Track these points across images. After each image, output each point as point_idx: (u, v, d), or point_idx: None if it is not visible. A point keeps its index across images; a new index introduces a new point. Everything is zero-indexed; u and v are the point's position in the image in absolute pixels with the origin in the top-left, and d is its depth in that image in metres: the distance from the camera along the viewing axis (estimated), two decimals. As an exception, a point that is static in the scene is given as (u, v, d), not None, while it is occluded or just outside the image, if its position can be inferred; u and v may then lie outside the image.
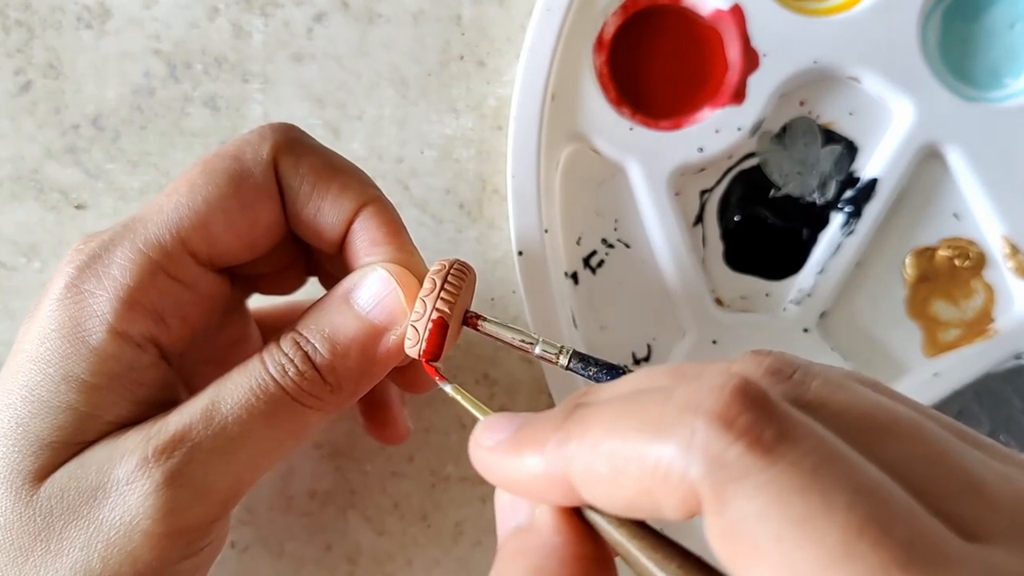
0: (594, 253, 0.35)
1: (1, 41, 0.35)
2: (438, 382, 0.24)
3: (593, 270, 0.35)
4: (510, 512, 0.20)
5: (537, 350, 0.25)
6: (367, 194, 0.25)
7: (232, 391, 0.23)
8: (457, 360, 0.35)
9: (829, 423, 0.16)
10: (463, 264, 0.25)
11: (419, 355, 0.24)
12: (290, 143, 0.25)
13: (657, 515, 0.17)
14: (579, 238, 0.35)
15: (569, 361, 0.25)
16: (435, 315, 0.23)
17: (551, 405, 0.34)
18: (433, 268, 0.24)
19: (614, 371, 0.24)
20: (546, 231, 0.33)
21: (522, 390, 0.35)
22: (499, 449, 0.19)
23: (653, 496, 0.16)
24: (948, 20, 0.35)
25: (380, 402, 0.32)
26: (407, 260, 0.25)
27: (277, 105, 0.35)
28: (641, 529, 0.18)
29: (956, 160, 0.34)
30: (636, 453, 0.16)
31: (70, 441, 0.23)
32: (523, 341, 0.25)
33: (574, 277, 0.35)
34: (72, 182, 0.34)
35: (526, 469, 0.18)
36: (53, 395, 0.22)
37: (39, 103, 0.34)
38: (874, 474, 0.15)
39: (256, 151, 0.24)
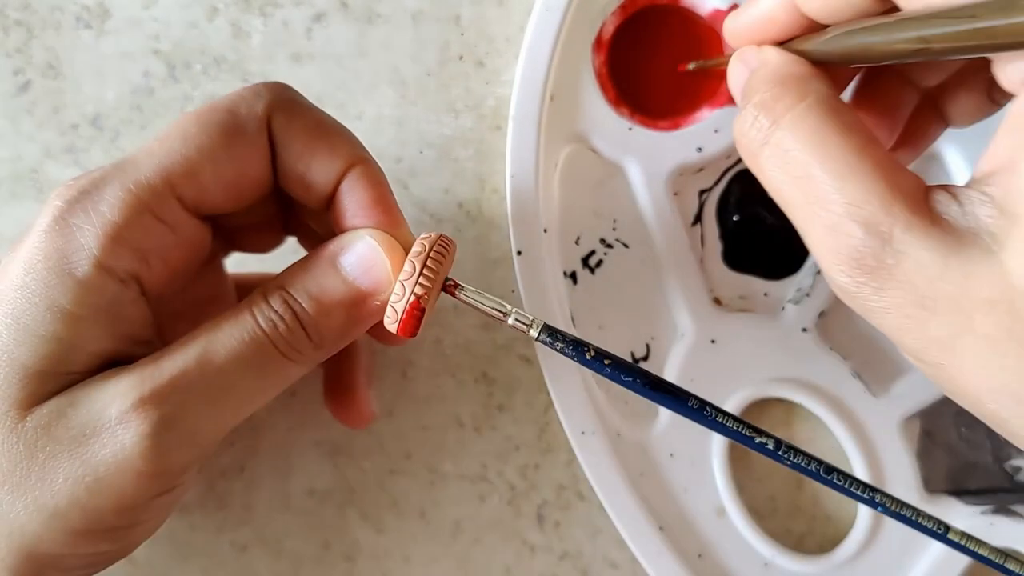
0: (593, 253, 0.35)
1: (0, 41, 0.35)
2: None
3: (592, 270, 0.35)
4: (742, 67, 0.25)
5: (510, 320, 0.26)
6: (356, 155, 0.26)
7: (225, 341, 0.24)
8: (456, 359, 0.35)
9: None
10: (444, 242, 0.25)
11: (398, 329, 0.25)
12: (284, 102, 0.25)
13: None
14: (578, 238, 0.35)
15: (540, 333, 0.26)
16: (412, 299, 0.24)
17: (550, 404, 0.34)
18: (414, 250, 0.25)
19: (580, 347, 0.26)
20: (545, 231, 0.33)
21: (521, 389, 0.35)
22: (738, 11, 0.26)
23: None
24: (947, 20, 0.35)
25: (346, 385, 0.32)
26: (393, 226, 0.26)
27: (276, 105, 0.35)
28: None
29: (955, 160, 0.34)
30: None
31: (54, 371, 0.23)
32: (497, 310, 0.26)
33: (573, 277, 0.35)
34: (72, 181, 0.34)
35: (760, 7, 0.25)
36: (38, 324, 0.23)
37: (38, 103, 0.35)
38: None
39: (251, 107, 0.25)
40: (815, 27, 0.24)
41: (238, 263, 0.31)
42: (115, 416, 0.23)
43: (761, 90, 0.23)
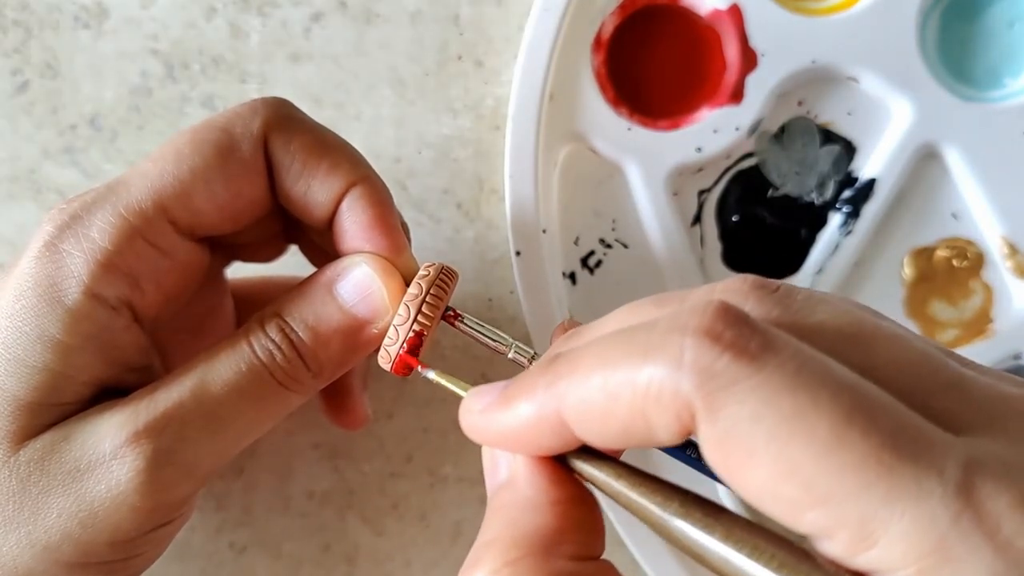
0: (592, 253, 0.35)
1: (-2, 41, 0.35)
2: (420, 371, 0.24)
3: (591, 270, 0.35)
4: (491, 472, 0.21)
5: (511, 354, 0.25)
6: (356, 173, 0.25)
7: (222, 372, 0.24)
8: (455, 360, 0.35)
9: (808, 337, 0.17)
10: (444, 278, 0.25)
11: (391, 369, 0.25)
12: (282, 119, 0.25)
13: (650, 439, 0.17)
14: (577, 238, 0.35)
15: None
16: (405, 345, 0.24)
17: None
18: (410, 291, 0.24)
19: None
20: (544, 231, 0.33)
21: (520, 390, 0.35)
22: (490, 408, 0.20)
23: (647, 418, 0.17)
24: (947, 20, 0.35)
25: (341, 388, 0.31)
26: (393, 249, 0.25)
27: (275, 105, 0.35)
28: (636, 474, 0.19)
29: (955, 160, 0.34)
30: (627, 378, 0.17)
31: (46, 402, 0.23)
32: (497, 343, 0.25)
33: (572, 277, 0.35)
34: (69, 182, 0.34)
35: (518, 417, 0.19)
36: (29, 354, 0.22)
37: (36, 103, 0.34)
38: (852, 375, 0.16)
39: (247, 125, 0.24)
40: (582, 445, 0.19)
41: (235, 267, 0.31)
42: (109, 450, 0.22)
43: (496, 555, 0.19)
